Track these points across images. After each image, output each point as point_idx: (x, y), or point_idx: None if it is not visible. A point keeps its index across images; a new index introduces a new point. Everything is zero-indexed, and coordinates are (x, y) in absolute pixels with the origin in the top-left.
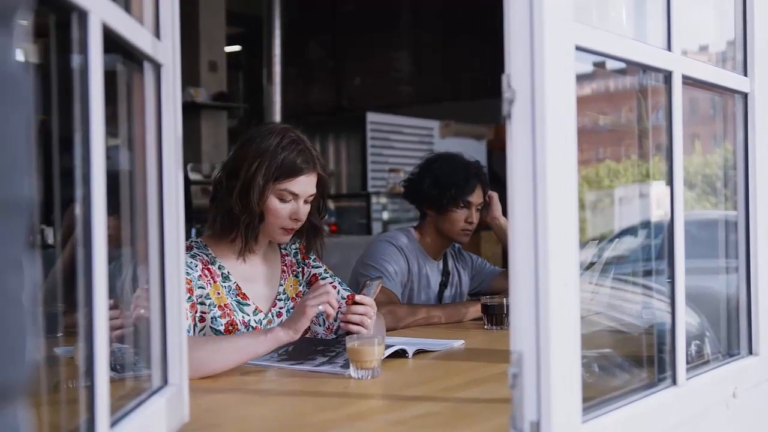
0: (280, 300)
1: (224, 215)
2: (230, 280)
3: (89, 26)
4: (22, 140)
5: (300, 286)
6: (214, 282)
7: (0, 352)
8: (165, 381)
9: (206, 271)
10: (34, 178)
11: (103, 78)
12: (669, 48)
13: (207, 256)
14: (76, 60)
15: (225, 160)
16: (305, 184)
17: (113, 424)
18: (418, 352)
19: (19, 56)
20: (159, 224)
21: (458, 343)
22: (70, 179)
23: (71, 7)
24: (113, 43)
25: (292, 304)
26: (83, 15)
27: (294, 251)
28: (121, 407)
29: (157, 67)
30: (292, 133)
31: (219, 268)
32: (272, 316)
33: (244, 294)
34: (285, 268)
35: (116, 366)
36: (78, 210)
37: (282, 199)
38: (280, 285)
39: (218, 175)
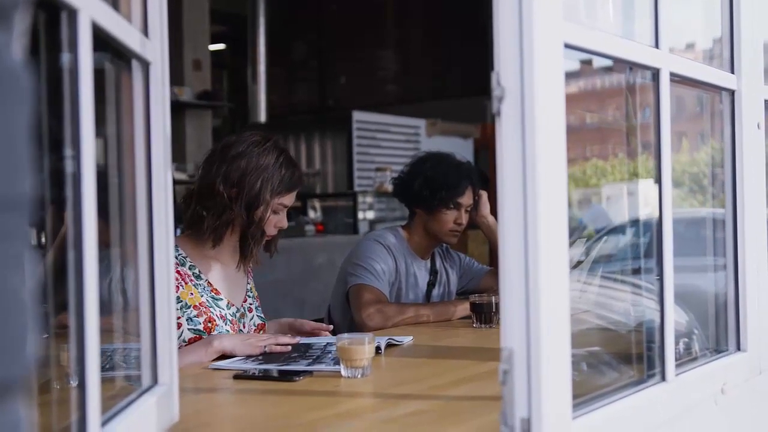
0: (249, 297)
1: (225, 225)
2: (202, 279)
3: (79, 24)
4: (23, 137)
5: (255, 290)
6: (186, 283)
7: (2, 349)
8: (155, 380)
9: (176, 274)
10: (33, 175)
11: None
12: (657, 45)
13: (176, 257)
14: (65, 58)
15: (214, 164)
16: (294, 197)
17: (103, 423)
18: (388, 346)
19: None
20: (148, 224)
21: (407, 339)
22: (58, 179)
23: (61, 5)
24: (101, 41)
25: (257, 303)
26: (73, 13)
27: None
28: (109, 406)
29: (145, 65)
30: (281, 146)
31: (189, 269)
32: (244, 310)
33: (216, 289)
34: (249, 268)
35: (104, 366)
36: (68, 210)
37: (276, 212)
38: (248, 283)
39: (207, 180)
